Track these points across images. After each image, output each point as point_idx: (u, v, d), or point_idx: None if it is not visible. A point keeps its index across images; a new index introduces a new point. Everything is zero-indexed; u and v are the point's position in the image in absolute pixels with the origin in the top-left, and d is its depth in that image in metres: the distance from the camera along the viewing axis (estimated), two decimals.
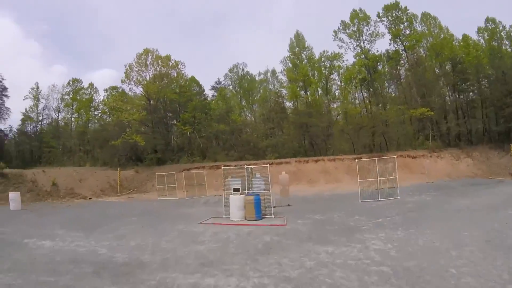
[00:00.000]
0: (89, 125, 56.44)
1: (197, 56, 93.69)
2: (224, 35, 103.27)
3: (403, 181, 23.90)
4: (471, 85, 40.47)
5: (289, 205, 18.33)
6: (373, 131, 39.05)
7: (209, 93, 53.12)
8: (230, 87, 54.25)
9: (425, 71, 40.91)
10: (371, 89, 44.16)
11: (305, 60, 46.84)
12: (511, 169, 29.75)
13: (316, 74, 46.78)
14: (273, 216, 14.80)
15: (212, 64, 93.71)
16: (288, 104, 49.40)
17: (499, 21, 41.71)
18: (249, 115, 54.39)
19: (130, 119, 40.67)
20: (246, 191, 14.76)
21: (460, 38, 43.14)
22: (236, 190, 14.60)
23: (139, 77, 43.12)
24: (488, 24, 42.34)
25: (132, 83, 43.40)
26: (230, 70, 53.97)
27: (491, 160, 34.51)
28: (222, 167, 17.07)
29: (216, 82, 54.15)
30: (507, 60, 38.88)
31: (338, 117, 47.72)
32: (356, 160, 23.31)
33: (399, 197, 19.02)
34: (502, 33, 41.77)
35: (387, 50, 44.43)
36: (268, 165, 16.39)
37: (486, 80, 39.56)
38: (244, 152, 41.80)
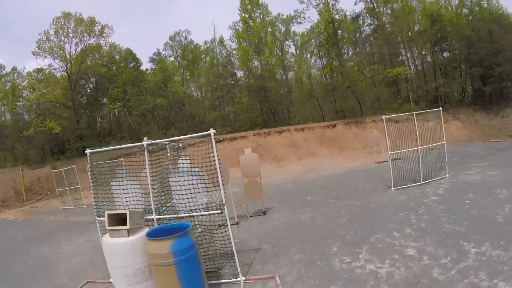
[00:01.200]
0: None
1: (134, 27, 79.50)
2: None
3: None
4: (450, 45, 38.05)
5: (264, 213, 10.34)
6: (347, 94, 32.79)
7: (147, 66, 43.60)
8: (172, 58, 44.66)
9: (400, 29, 38.00)
10: (334, 52, 38.18)
11: (259, 19, 38.88)
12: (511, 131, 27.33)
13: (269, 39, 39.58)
14: (238, 268, 5.37)
15: (153, 36, 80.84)
16: (239, 73, 41.55)
17: None
18: (194, 87, 45.72)
19: (42, 100, 32.16)
20: (155, 217, 5.49)
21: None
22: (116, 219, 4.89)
23: (57, 49, 33.05)
24: None
25: (49, 56, 33.09)
26: (171, 39, 43.65)
27: (480, 123, 31.65)
28: (87, 151, 6.43)
29: (154, 53, 43.67)
30: (487, 22, 37.30)
31: (294, 84, 41.51)
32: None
33: (447, 175, 12.48)
34: None
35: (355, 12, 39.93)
36: (213, 138, 5.92)
37: (465, 41, 36.72)
38: (187, 129, 33.33)
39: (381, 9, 39.23)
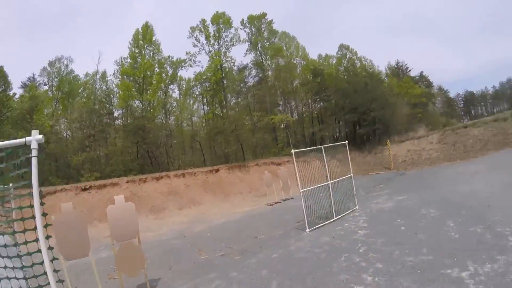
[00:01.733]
0: None
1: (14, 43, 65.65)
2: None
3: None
4: (329, 95, 42.46)
5: None
6: (231, 137, 31.82)
7: (18, 92, 35.64)
8: (46, 87, 37.27)
9: (283, 81, 42.02)
10: (218, 99, 39.28)
11: (148, 57, 36.13)
12: (386, 164, 29.65)
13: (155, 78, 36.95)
14: None
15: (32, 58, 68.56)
16: (117, 113, 37.33)
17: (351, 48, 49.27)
18: (64, 125, 38.33)
19: None
20: None
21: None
22: None
23: None
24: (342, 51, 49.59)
25: None
26: (51, 64, 36.54)
27: (355, 160, 33.19)
28: None
29: (28, 77, 35.94)
30: (360, 78, 43.59)
31: (174, 129, 38.67)
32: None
33: (357, 207, 12.63)
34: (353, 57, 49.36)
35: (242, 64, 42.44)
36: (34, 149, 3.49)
37: (342, 93, 41.72)
38: (48, 173, 27.68)
39: (268, 63, 42.31)
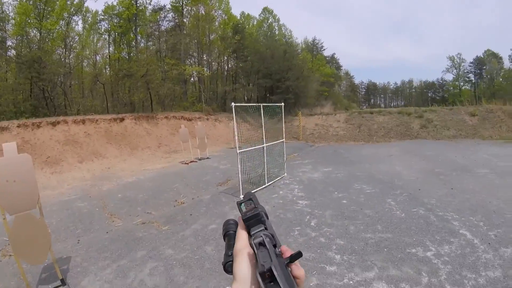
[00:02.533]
0: None
1: None
2: None
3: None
4: (246, 56, 41.84)
5: (63, 282, 5.30)
6: (141, 83, 29.14)
7: None
8: None
9: (201, 33, 39.95)
10: (126, 40, 35.55)
11: None
12: (295, 134, 29.67)
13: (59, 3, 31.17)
14: None
15: None
16: (9, 42, 30.46)
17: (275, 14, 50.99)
18: None
19: None
20: None
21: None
22: None
23: None
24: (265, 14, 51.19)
25: None
26: None
27: (271, 127, 35.10)
28: None
29: None
30: (279, 45, 44.31)
31: (74, 67, 33.82)
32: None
33: (285, 174, 12.35)
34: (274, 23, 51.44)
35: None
36: None
37: (259, 56, 41.41)
38: None
39: (187, 9, 39.84)
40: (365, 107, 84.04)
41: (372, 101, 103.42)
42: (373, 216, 7.33)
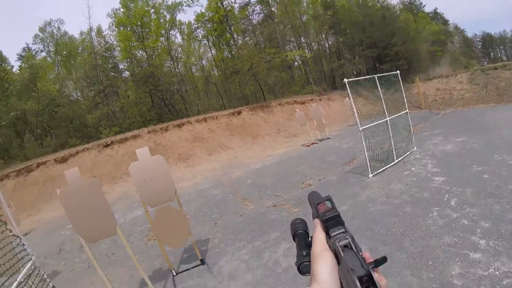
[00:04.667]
0: None
1: None
2: None
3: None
4: (344, 29, 39.75)
5: (202, 261, 5.76)
6: (248, 77, 29.92)
7: (16, 65, 34.59)
8: (44, 53, 35.40)
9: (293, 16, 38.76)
10: (224, 40, 36.55)
11: (141, 2, 33.05)
12: (416, 103, 26.77)
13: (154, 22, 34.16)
14: None
15: (20, 29, 66.15)
16: (122, 66, 34.95)
17: None
18: (72, 87, 37.00)
19: None
20: None
21: None
22: None
23: None
24: None
25: None
26: (41, 30, 34.21)
27: (389, 99, 32.26)
28: None
29: (23, 48, 34.15)
30: (375, 11, 40.97)
31: (185, 75, 36.66)
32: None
33: (415, 148, 10.75)
34: None
35: None
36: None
37: (358, 26, 39.13)
38: (66, 136, 26.75)
39: None
40: (485, 62, 71.46)
41: (492, 54, 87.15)
42: None
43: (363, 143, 8.71)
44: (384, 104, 9.52)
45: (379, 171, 8.81)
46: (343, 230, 0.76)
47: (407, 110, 10.77)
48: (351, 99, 8.60)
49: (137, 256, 6.30)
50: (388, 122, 9.55)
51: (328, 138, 17.30)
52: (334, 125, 23.01)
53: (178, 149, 18.88)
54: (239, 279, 5.01)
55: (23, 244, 3.95)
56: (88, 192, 4.42)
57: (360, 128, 8.64)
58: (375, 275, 0.59)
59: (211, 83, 32.97)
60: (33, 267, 3.88)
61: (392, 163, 9.32)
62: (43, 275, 3.99)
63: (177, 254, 6.35)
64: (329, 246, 0.74)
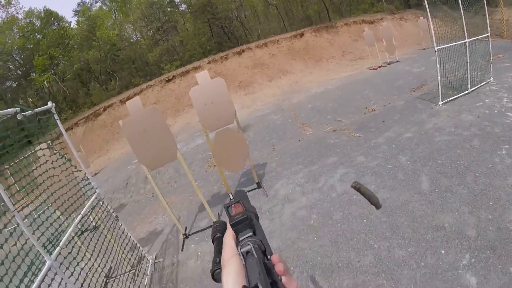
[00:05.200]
0: None
1: None
2: None
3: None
4: None
5: (259, 184, 5.76)
6: None
7: (74, 21, 35.37)
8: (98, 3, 35.43)
9: None
10: None
11: None
12: (497, 30, 22.12)
13: None
14: None
15: None
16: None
17: None
18: (130, 29, 37.26)
19: None
20: None
21: None
22: None
23: None
24: None
25: None
26: None
27: (460, 21, 27.92)
28: None
29: (78, 3, 34.73)
30: None
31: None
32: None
33: (492, 79, 9.14)
34: None
35: None
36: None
37: None
38: (130, 76, 27.63)
39: None
40: None
41: None
42: None
43: (437, 66, 7.63)
44: (464, 24, 8.23)
45: (450, 99, 7.84)
46: (250, 234, 0.69)
47: (489, 34, 9.29)
48: (429, 15, 7.50)
49: (197, 182, 6.41)
50: (467, 44, 8.30)
51: (397, 61, 15.77)
52: (406, 47, 20.96)
53: (239, 76, 18.65)
54: (293, 202, 4.91)
55: (87, 178, 4.07)
56: (149, 119, 4.44)
57: (436, 48, 7.58)
58: (284, 280, 0.57)
59: (271, 5, 31.27)
60: (97, 200, 4.02)
61: (465, 92, 8.23)
62: (106, 206, 4.15)
63: (235, 179, 6.38)
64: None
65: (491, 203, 3.72)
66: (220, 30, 28.67)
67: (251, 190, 5.62)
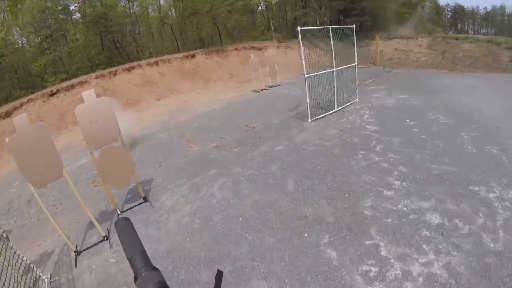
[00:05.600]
0: None
1: None
2: None
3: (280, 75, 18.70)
4: None
5: (145, 199, 6.10)
6: (207, 19, 28.79)
7: None
8: None
9: None
10: None
11: None
12: (371, 59, 27.65)
13: None
14: None
15: None
16: (72, 7, 31.56)
17: None
18: (17, 34, 33.65)
19: None
20: None
21: None
22: None
23: None
24: None
25: None
26: None
27: (340, 52, 32.19)
28: None
29: None
30: None
31: (140, 16, 33.96)
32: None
33: (357, 99, 11.42)
34: None
35: None
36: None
37: None
38: (10, 87, 25.23)
39: None
40: (451, 32, 71.87)
41: (459, 26, 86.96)
42: (442, 148, 6.58)
43: (307, 90, 9.03)
44: (333, 55, 9.72)
45: (318, 117, 9.29)
46: None
47: (355, 64, 11.09)
48: (301, 46, 8.76)
49: (84, 201, 6.48)
50: (334, 72, 9.84)
51: (278, 85, 17.48)
52: (289, 73, 23.06)
53: (127, 94, 18.35)
54: (178, 211, 5.44)
55: None
56: (35, 137, 4.50)
57: (305, 76, 8.91)
58: None
59: (166, 24, 31.48)
60: None
61: (332, 111, 9.82)
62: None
63: (122, 196, 6.57)
64: None
65: (346, 195, 4.78)
66: (111, 45, 27.80)
67: (138, 204, 5.96)
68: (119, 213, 5.79)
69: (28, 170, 4.49)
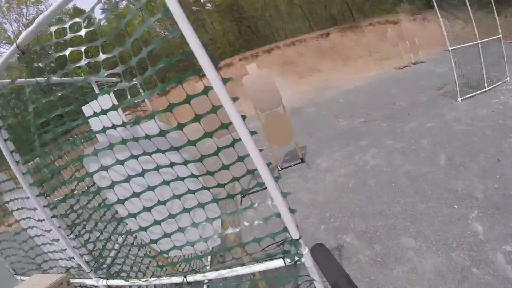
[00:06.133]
0: None
1: None
2: None
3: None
4: None
5: (302, 160, 7.17)
6: None
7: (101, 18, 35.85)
8: (125, 1, 36.87)
9: None
10: None
11: None
12: None
13: None
14: None
15: None
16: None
17: None
18: (159, 26, 38.38)
19: None
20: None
21: None
22: None
23: None
24: None
25: None
26: None
27: (484, 22, 27.12)
28: None
29: (104, 1, 36.03)
30: None
31: None
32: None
33: (508, 78, 9.54)
34: None
35: None
36: None
37: None
38: (163, 77, 29.16)
39: None
40: None
41: None
42: None
43: (453, 64, 8.65)
44: (474, 25, 9.09)
45: (468, 95, 8.86)
46: None
47: (500, 35, 10.02)
48: (440, 18, 8.47)
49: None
50: (479, 45, 9.17)
51: (422, 62, 16.56)
52: (430, 47, 21.81)
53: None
54: (333, 172, 6.12)
55: None
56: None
57: (450, 49, 8.55)
58: None
59: (295, 5, 32.03)
60: None
61: (483, 90, 9.21)
62: None
63: (280, 157, 7.61)
64: None
65: (497, 176, 4.66)
66: (247, 29, 29.78)
67: (296, 164, 6.91)
68: (279, 169, 6.87)
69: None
